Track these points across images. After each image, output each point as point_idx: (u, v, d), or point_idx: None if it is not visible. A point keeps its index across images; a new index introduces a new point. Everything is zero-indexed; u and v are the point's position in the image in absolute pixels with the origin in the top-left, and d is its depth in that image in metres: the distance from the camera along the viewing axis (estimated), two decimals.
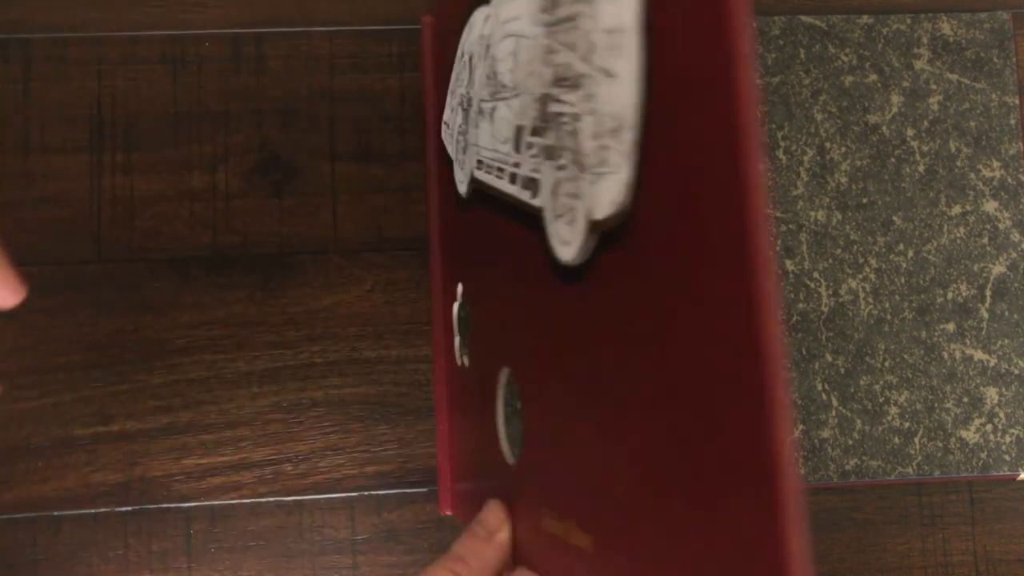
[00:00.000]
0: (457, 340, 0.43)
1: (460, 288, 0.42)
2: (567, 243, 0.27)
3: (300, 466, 0.49)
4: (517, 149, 0.31)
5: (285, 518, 0.49)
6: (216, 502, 0.48)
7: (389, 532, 0.49)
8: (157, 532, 0.48)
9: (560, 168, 0.27)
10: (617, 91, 0.23)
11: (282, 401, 0.49)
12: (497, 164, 0.33)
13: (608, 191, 0.24)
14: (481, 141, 0.35)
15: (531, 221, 0.30)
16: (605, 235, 0.25)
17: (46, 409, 0.48)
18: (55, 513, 0.48)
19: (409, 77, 0.51)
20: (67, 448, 0.48)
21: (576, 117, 0.26)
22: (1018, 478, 0.50)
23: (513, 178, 0.31)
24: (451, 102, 0.40)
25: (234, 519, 0.48)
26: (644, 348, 0.23)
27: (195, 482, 0.48)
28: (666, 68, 0.21)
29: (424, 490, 0.49)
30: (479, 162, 0.36)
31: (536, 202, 0.29)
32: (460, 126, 0.39)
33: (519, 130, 0.31)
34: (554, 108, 0.28)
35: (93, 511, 0.48)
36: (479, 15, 0.35)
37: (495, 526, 0.35)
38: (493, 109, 0.33)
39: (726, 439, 0.19)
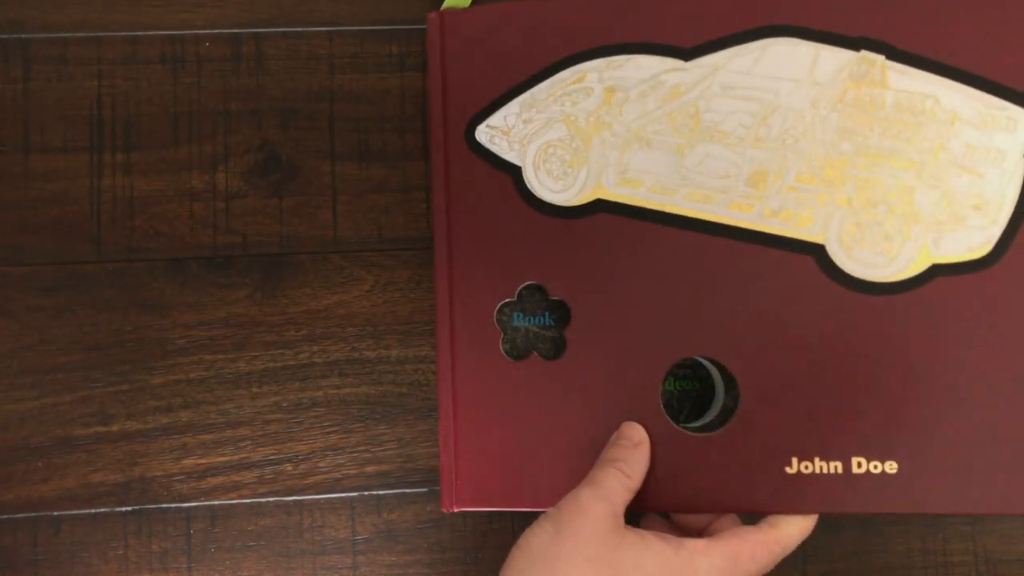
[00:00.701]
0: (503, 336, 0.46)
1: (521, 287, 0.46)
2: (881, 267, 0.41)
3: (300, 466, 0.49)
4: (756, 187, 0.43)
5: (285, 518, 0.49)
6: (216, 502, 0.48)
7: (389, 532, 0.49)
8: (157, 532, 0.48)
9: (867, 214, 0.41)
10: (978, 184, 0.40)
11: (282, 401, 0.49)
12: (690, 190, 0.44)
13: (961, 242, 0.40)
14: (635, 164, 0.44)
15: (785, 243, 0.42)
16: (942, 266, 0.41)
17: (46, 409, 0.48)
18: (55, 513, 0.48)
19: (409, 77, 0.51)
20: (67, 448, 0.48)
21: (907, 190, 0.41)
22: None
23: (746, 208, 0.43)
24: (525, 113, 0.46)
25: (234, 519, 0.48)
26: (994, 329, 0.40)
27: (195, 482, 0.48)
28: None
29: (424, 490, 0.49)
30: (626, 180, 0.45)
31: (808, 232, 0.42)
32: (559, 139, 0.46)
33: (760, 173, 0.43)
34: (857, 172, 0.41)
35: (93, 511, 0.48)
36: (653, 63, 0.45)
37: (638, 438, 0.43)
38: (686, 146, 0.44)
39: None
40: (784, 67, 0.42)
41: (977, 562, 0.51)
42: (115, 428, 0.48)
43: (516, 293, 0.46)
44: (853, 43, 0.42)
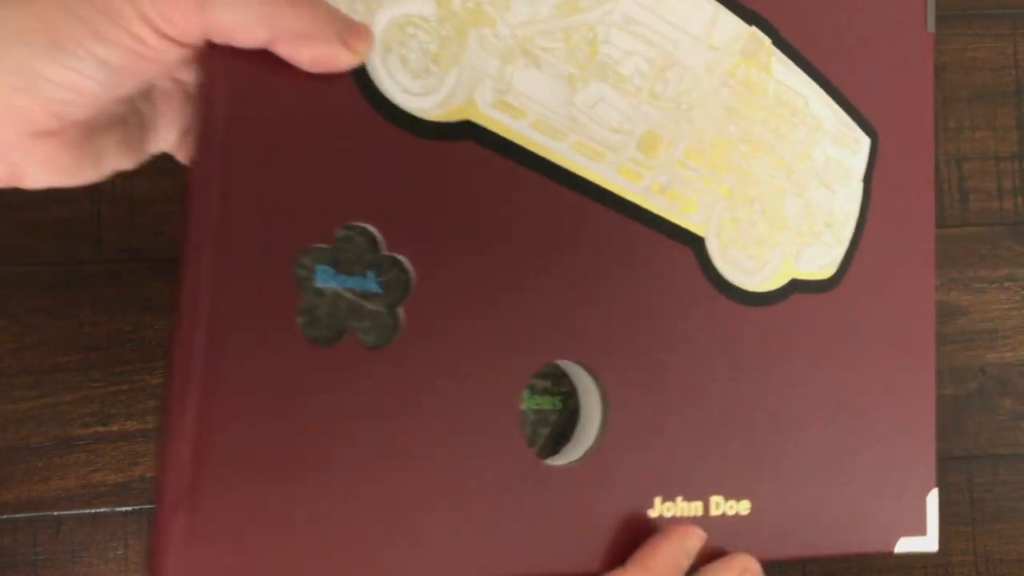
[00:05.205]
0: (303, 304, 0.30)
1: (341, 229, 0.31)
2: (751, 274, 0.39)
3: None
4: (647, 152, 0.36)
5: None
6: None
7: None
8: None
9: (744, 211, 0.39)
10: (830, 200, 0.41)
11: None
12: (580, 139, 0.35)
13: (814, 260, 0.40)
14: (519, 84, 0.34)
15: (668, 228, 0.37)
16: (800, 281, 0.40)
17: (46, 409, 0.48)
18: (55, 513, 0.48)
19: None
20: (67, 448, 0.48)
21: (779, 192, 0.40)
22: None
23: (635, 178, 0.36)
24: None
25: None
26: (834, 356, 0.39)
27: None
28: (880, 200, 0.41)
29: None
30: (506, 104, 0.34)
31: (692, 220, 0.37)
32: (423, 17, 0.33)
33: (653, 136, 0.36)
34: (739, 160, 0.39)
35: (93, 511, 0.48)
36: None
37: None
38: (579, 79, 0.35)
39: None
40: (685, 18, 0.38)
41: (977, 562, 0.51)
42: (115, 428, 0.48)
43: (332, 236, 0.30)
44: (747, 16, 0.39)
